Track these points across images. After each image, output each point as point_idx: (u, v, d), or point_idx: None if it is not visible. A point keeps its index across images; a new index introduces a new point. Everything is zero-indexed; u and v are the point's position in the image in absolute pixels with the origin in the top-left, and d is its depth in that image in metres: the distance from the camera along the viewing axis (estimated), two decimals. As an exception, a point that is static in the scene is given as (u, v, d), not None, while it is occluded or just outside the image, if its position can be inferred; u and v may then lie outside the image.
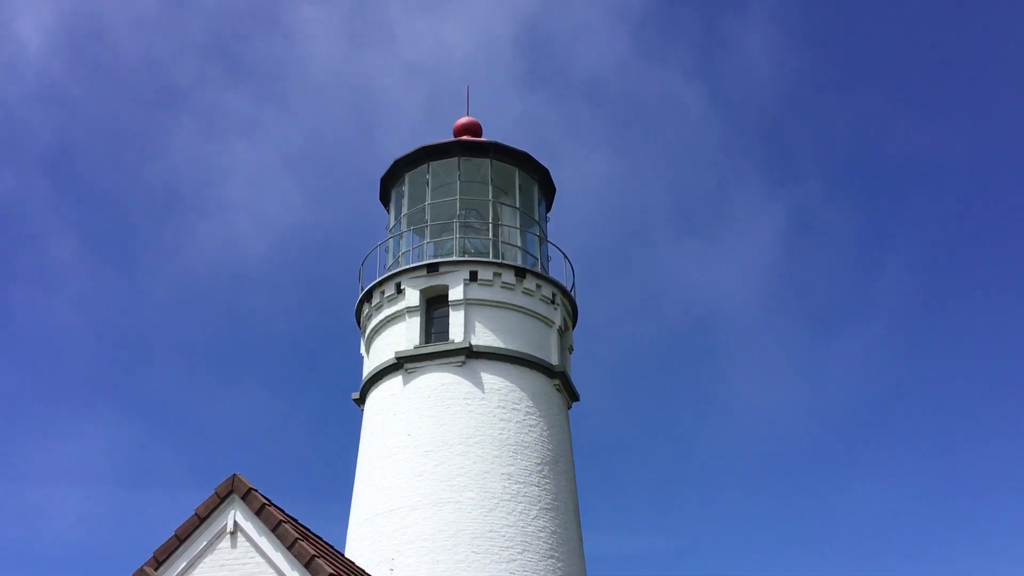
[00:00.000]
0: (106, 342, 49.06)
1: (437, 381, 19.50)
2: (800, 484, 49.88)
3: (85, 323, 49.10)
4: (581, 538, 19.92)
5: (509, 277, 20.31)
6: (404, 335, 20.01)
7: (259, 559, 13.98)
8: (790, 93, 53.72)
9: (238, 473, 14.41)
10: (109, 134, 49.23)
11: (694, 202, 52.91)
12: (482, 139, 22.02)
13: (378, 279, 20.87)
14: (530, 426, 19.47)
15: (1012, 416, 48.48)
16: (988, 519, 47.39)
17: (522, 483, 18.84)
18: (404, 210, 21.85)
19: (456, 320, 19.82)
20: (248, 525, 14.13)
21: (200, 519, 14.28)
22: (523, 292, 20.39)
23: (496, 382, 19.53)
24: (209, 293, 49.88)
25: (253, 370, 48.80)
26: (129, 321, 48.61)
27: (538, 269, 21.19)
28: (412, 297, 20.16)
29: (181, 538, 14.27)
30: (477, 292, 20.08)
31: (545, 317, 20.60)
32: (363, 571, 16.37)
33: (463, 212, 21.40)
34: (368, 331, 20.94)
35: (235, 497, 14.27)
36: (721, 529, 47.15)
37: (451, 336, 19.72)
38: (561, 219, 23.63)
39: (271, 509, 14.10)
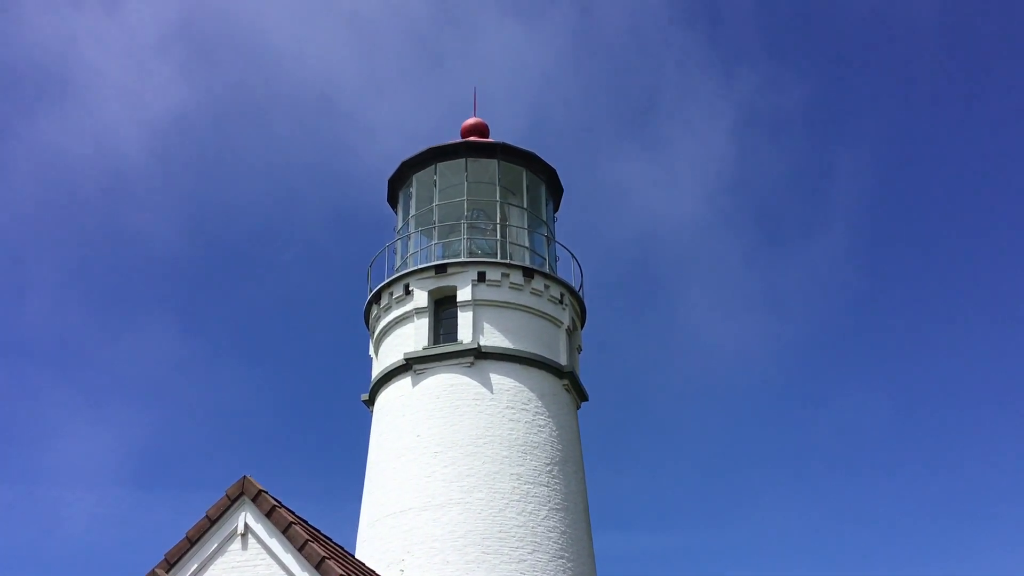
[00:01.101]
0: None
1: (446, 382, 19.53)
2: (780, 423, 47.12)
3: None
4: (591, 538, 19.93)
5: (517, 278, 20.33)
6: (413, 336, 20.05)
7: (270, 561, 14.02)
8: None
9: (248, 475, 14.46)
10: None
11: (636, 99, 47.46)
12: (489, 140, 22.04)
13: (386, 280, 20.90)
14: (539, 426, 19.49)
15: (987, 319, 45.72)
16: (971, 432, 45.71)
17: (532, 483, 18.86)
18: (412, 211, 21.88)
19: (464, 321, 19.84)
20: (259, 527, 14.17)
21: (211, 521, 14.34)
22: (531, 292, 20.41)
23: (505, 383, 19.55)
24: (83, 204, 43.86)
25: (152, 305, 44.77)
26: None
27: (546, 269, 21.19)
28: (420, 298, 20.19)
29: (192, 540, 14.32)
30: (485, 293, 20.10)
31: (553, 317, 20.62)
32: (373, 572, 16.41)
33: (471, 213, 21.43)
34: (377, 332, 20.97)
35: (245, 499, 14.32)
36: (719, 513, 45.62)
37: (460, 337, 19.74)
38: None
39: (281, 511, 14.13)
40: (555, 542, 18.64)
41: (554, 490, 19.10)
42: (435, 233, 21.39)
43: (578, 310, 21.46)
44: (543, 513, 18.73)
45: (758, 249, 48.29)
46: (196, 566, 14.24)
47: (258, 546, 14.15)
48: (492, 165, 21.73)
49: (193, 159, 45.13)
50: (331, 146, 46.57)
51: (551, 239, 22.08)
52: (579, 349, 21.49)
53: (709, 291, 47.31)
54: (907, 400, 47.08)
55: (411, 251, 21.66)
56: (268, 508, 14.14)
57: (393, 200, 22.60)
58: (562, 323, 20.71)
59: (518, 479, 18.77)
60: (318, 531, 15.02)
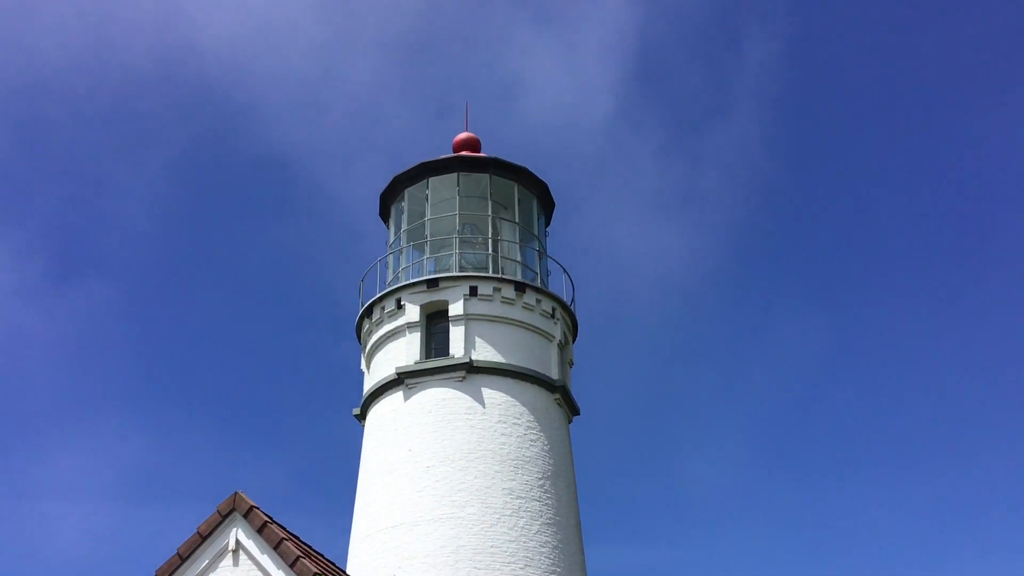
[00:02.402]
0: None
1: (438, 396, 19.54)
2: (719, 370, 43.65)
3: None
4: (583, 552, 19.92)
5: (509, 292, 20.36)
6: (404, 351, 20.05)
7: (261, 577, 14.00)
8: None
9: (240, 491, 14.44)
10: None
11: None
12: (481, 155, 22.09)
13: (378, 295, 20.91)
14: (531, 441, 19.50)
15: (923, 206, 42.58)
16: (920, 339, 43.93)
17: (523, 498, 18.85)
18: (404, 226, 21.92)
19: (456, 335, 19.86)
20: (250, 543, 14.15)
21: (202, 537, 14.31)
22: (523, 307, 20.43)
23: (497, 397, 19.56)
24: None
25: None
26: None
27: (538, 284, 21.23)
28: (412, 312, 20.20)
29: (183, 556, 14.29)
30: (477, 307, 20.12)
31: (545, 331, 20.64)
32: (365, 588, 16.39)
33: (462, 227, 21.46)
34: (368, 347, 20.98)
35: (237, 515, 14.30)
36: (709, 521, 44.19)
37: (451, 351, 19.76)
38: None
39: (273, 527, 14.11)
40: (547, 557, 18.63)
41: (546, 504, 19.09)
42: (427, 247, 21.42)
43: (569, 324, 21.49)
44: (535, 528, 18.72)
45: (666, 141, 43.62)
46: (187, 582, 14.23)
47: (249, 562, 14.13)
48: (484, 180, 21.78)
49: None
50: (164, 10, 42.17)
51: (543, 253, 22.13)
52: (570, 363, 21.51)
53: (619, 198, 42.68)
54: (847, 318, 44.06)
55: (403, 265, 21.69)
56: (260, 524, 14.12)
57: (385, 214, 22.63)
58: (554, 337, 20.73)
59: (510, 494, 18.76)
60: (310, 547, 15.00)
